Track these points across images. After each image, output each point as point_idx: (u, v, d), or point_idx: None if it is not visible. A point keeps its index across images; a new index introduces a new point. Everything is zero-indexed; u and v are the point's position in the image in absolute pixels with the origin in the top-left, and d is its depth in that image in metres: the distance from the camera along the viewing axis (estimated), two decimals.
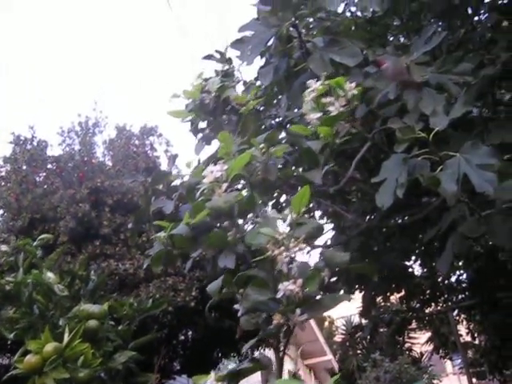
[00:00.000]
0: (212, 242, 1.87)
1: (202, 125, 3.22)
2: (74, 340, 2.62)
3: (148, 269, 6.33)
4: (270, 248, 1.47)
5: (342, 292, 4.85)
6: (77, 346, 2.62)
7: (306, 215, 4.93)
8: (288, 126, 4.28)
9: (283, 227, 1.52)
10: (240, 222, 1.76)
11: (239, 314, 1.70)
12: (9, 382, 7.19)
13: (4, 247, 3.16)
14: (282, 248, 1.45)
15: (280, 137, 3.62)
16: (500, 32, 3.78)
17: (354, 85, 2.10)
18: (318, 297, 1.50)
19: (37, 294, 3.06)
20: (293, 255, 1.43)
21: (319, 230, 1.57)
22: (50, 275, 3.10)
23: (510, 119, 3.39)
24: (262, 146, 1.98)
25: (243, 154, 1.76)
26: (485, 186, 2.48)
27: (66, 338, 2.63)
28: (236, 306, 1.73)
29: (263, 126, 4.49)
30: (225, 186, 1.72)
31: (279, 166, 2.06)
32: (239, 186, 1.97)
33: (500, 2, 3.78)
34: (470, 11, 3.74)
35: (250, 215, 1.82)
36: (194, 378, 1.70)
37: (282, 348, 1.63)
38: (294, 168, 2.15)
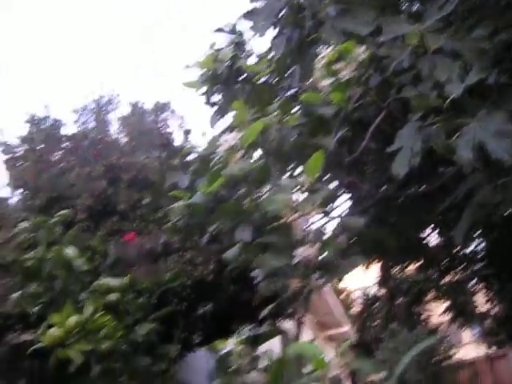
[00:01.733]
0: (228, 211, 1.88)
1: (216, 97, 3.21)
2: (96, 313, 2.67)
3: (166, 243, 6.38)
4: (285, 214, 1.48)
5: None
6: (98, 318, 2.67)
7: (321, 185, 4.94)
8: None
9: (298, 195, 1.53)
10: (255, 190, 1.77)
11: (257, 280, 1.71)
12: (34, 355, 7.30)
13: (25, 224, 3.20)
14: (297, 214, 1.47)
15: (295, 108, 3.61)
16: None
17: (363, 49, 2.10)
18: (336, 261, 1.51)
19: (57, 270, 3.10)
20: (308, 221, 1.45)
21: (333, 196, 1.58)
22: (69, 251, 3.14)
23: None
24: (276, 113, 1.99)
25: (257, 122, 1.77)
26: (501, 152, 2.48)
27: (88, 311, 2.67)
28: (254, 273, 1.74)
29: (277, 97, 4.49)
30: (240, 153, 1.72)
31: (295, 136, 2.07)
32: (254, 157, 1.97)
33: None
34: None
35: (264, 184, 1.82)
36: (214, 343, 1.72)
37: (300, 312, 1.65)
38: (307, 137, 2.15)
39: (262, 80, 2.54)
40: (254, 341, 1.68)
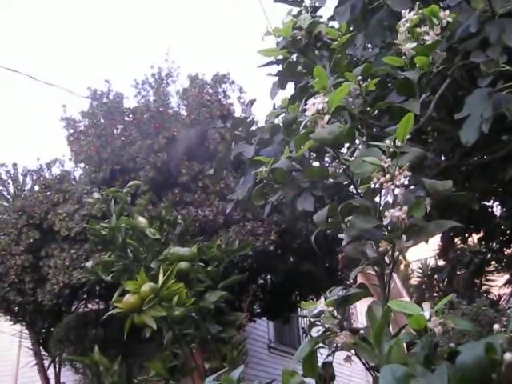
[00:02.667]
0: (313, 175, 1.90)
1: (276, 68, 3.19)
2: (169, 280, 2.74)
3: (227, 214, 6.46)
4: (375, 176, 1.50)
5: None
6: (171, 286, 2.75)
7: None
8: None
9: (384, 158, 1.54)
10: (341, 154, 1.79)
11: (344, 243, 1.73)
12: (101, 323, 7.52)
13: (97, 194, 3.30)
14: (388, 176, 1.48)
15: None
16: None
17: (447, 12, 2.08)
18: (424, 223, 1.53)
19: (129, 239, 3.20)
20: (398, 183, 1.46)
21: (422, 158, 1.59)
22: (141, 220, 3.23)
23: None
24: (359, 78, 1.99)
25: (342, 86, 1.78)
26: None
27: (161, 278, 2.75)
28: (341, 236, 1.76)
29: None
30: (327, 117, 1.73)
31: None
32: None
33: None
34: None
35: (349, 147, 1.84)
36: (303, 303, 1.76)
37: (387, 273, 1.67)
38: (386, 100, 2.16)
39: (341, 44, 2.53)
40: (344, 302, 1.70)
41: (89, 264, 3.33)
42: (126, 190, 3.30)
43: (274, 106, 3.58)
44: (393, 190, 1.46)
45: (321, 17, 2.96)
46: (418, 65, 1.98)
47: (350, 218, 1.57)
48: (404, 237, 1.52)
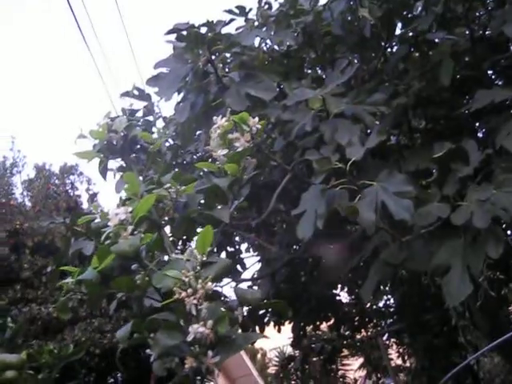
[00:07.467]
0: (120, 287, 1.81)
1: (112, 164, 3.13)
2: None
3: (72, 311, 6.16)
4: (176, 291, 1.44)
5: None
6: None
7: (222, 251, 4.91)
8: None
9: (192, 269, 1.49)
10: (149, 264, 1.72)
11: (151, 359, 1.65)
12: None
13: None
14: (190, 290, 1.43)
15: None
16: (411, 62, 3.90)
17: (257, 119, 2.11)
18: (232, 336, 1.47)
19: None
20: (200, 296, 1.41)
21: (227, 269, 1.54)
22: None
23: (425, 146, 3.47)
24: (168, 185, 1.96)
25: (148, 195, 1.73)
26: (402, 212, 2.54)
27: None
28: (148, 351, 1.67)
29: (181, 162, 4.48)
30: (130, 228, 1.68)
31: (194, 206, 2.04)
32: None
33: (409, 34, 3.90)
34: (382, 43, 3.84)
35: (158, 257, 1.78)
36: None
37: None
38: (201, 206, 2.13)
39: (157, 148, 2.50)
40: None
41: None
42: None
43: (121, 198, 3.49)
44: (195, 304, 1.41)
45: (154, 116, 2.95)
46: (228, 172, 1.98)
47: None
48: (210, 352, 1.45)
